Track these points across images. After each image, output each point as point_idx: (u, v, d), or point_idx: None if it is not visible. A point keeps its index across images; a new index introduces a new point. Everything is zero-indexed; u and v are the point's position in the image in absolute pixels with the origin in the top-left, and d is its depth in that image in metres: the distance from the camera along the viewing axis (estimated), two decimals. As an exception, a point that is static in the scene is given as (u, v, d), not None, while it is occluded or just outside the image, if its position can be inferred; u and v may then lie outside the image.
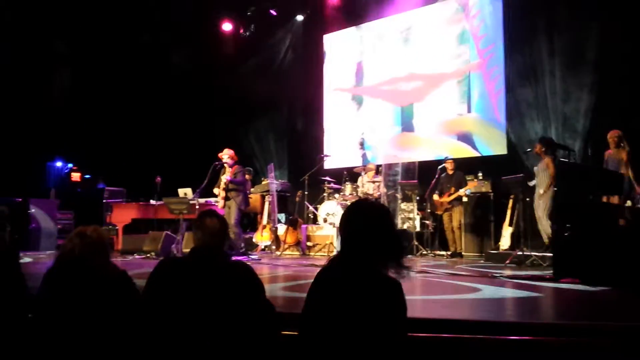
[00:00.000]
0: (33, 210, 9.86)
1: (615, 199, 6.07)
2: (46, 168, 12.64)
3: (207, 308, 2.27)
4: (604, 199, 6.08)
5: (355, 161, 10.63)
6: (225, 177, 7.85)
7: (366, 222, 2.05)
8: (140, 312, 2.40)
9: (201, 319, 2.26)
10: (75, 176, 12.89)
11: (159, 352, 2.30)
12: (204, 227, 2.47)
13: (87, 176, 12.97)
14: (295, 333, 2.12)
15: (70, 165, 12.95)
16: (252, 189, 9.95)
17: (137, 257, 8.11)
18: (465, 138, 9.94)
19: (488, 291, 4.47)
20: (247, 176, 8.87)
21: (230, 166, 7.94)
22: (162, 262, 2.52)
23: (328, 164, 10.58)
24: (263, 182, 10.45)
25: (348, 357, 1.90)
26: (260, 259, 7.87)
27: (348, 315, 1.91)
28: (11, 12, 10.58)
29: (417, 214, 9.27)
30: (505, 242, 8.00)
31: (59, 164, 12.92)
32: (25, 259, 7.16)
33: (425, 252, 8.71)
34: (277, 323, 2.62)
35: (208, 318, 2.27)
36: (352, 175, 9.73)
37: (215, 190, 8.00)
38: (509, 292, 4.50)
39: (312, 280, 2.12)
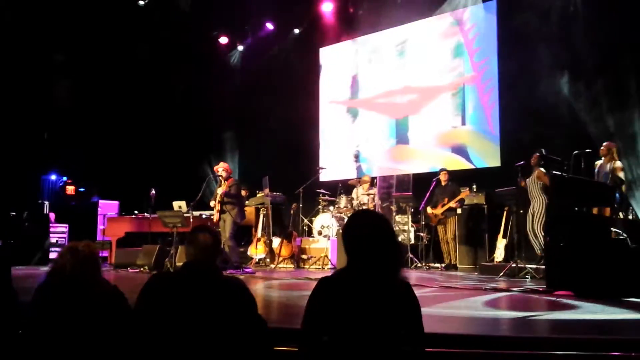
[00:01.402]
0: (26, 224, 9.81)
1: (607, 211, 6.09)
2: (40, 181, 12.59)
3: (199, 324, 2.26)
4: (595, 211, 6.10)
5: (350, 173, 10.65)
6: (220, 190, 7.85)
7: (379, 230, 2.10)
8: (131, 327, 2.39)
9: (193, 334, 2.25)
10: (70, 189, 12.83)
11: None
12: (197, 243, 2.45)
13: (82, 189, 12.93)
14: (289, 349, 2.10)
15: (64, 178, 12.91)
16: (247, 202, 9.93)
17: (130, 271, 8.08)
18: (460, 150, 9.98)
19: (483, 305, 4.46)
20: (243, 192, 8.87)
21: (226, 179, 7.94)
22: (154, 277, 2.51)
23: (323, 177, 10.58)
24: (258, 195, 10.44)
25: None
26: (254, 272, 7.84)
27: (380, 320, 1.99)
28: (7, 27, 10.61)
29: (412, 226, 9.27)
30: (499, 254, 7.99)
31: (53, 177, 12.88)
32: (16, 272, 7.10)
33: (419, 265, 8.70)
34: (270, 339, 2.61)
35: (200, 334, 2.25)
36: (346, 187, 9.74)
37: (212, 203, 8.00)
38: (503, 305, 4.49)
39: (308, 294, 2.11)
